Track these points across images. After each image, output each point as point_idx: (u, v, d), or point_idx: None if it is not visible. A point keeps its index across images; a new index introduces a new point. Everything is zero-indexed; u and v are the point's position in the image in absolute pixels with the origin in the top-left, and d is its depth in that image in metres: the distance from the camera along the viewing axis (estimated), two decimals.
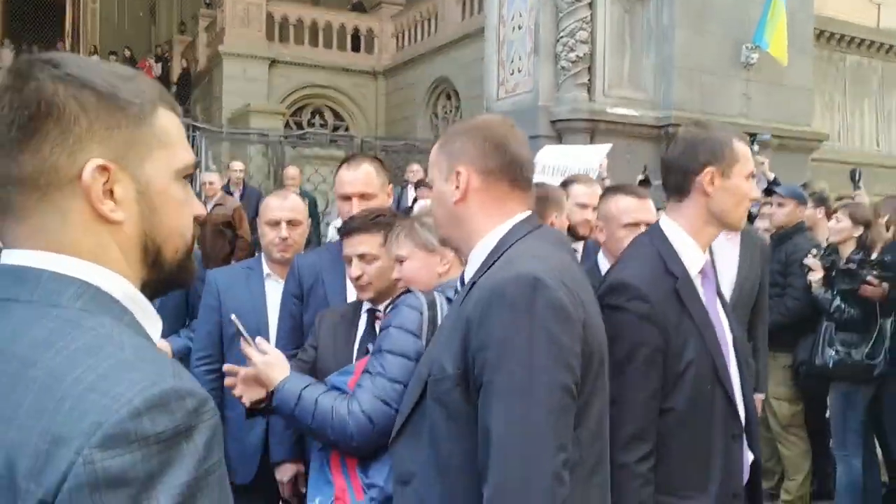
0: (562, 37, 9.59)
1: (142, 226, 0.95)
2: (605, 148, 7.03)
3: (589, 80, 9.62)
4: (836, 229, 4.67)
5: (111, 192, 0.92)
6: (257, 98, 16.53)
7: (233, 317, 2.19)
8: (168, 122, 0.98)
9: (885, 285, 4.25)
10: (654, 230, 2.10)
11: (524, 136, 1.77)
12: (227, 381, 2.19)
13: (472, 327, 1.49)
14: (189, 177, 1.01)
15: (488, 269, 1.59)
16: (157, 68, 21.44)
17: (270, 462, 2.87)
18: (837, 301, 4.45)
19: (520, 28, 10.18)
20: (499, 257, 1.60)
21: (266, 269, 3.16)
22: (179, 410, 0.79)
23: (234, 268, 3.59)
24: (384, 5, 19.50)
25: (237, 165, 9.45)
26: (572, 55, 9.50)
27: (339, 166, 2.99)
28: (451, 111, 16.13)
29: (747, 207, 2.10)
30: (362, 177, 2.85)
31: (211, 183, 8.41)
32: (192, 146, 10.78)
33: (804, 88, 10.79)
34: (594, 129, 9.26)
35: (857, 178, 7.28)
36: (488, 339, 1.46)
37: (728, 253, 3.79)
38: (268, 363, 2.12)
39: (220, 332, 3.06)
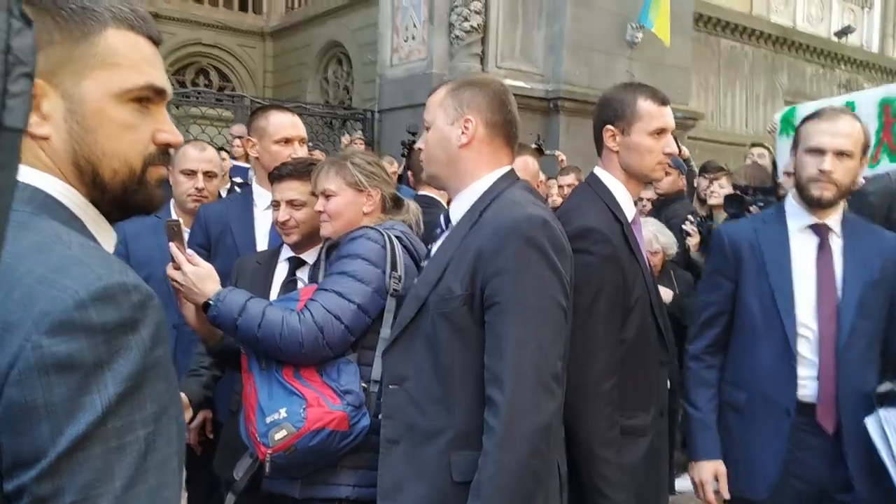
0: (456, 6, 9.67)
1: (71, 143, 0.95)
2: None
3: (482, 50, 9.76)
4: (718, 193, 5.09)
5: (39, 107, 0.92)
6: None
7: (168, 221, 2.11)
8: (119, 42, 0.97)
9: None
10: (594, 180, 2.24)
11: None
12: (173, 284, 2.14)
13: (486, 255, 1.73)
14: (146, 102, 1.00)
15: (485, 208, 1.83)
16: None
17: None
18: None
19: None
20: (491, 201, 1.84)
21: (173, 213, 3.12)
22: (125, 303, 0.82)
23: (143, 217, 3.51)
24: None
25: None
26: (466, 25, 9.61)
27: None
28: (342, 76, 15.95)
29: (657, 161, 2.19)
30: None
31: None
32: None
33: (683, 68, 11.32)
34: None
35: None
36: (505, 265, 1.71)
37: None
38: (198, 274, 2.10)
39: None
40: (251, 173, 4.07)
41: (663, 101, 2.21)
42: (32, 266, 0.82)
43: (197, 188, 3.05)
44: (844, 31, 16.73)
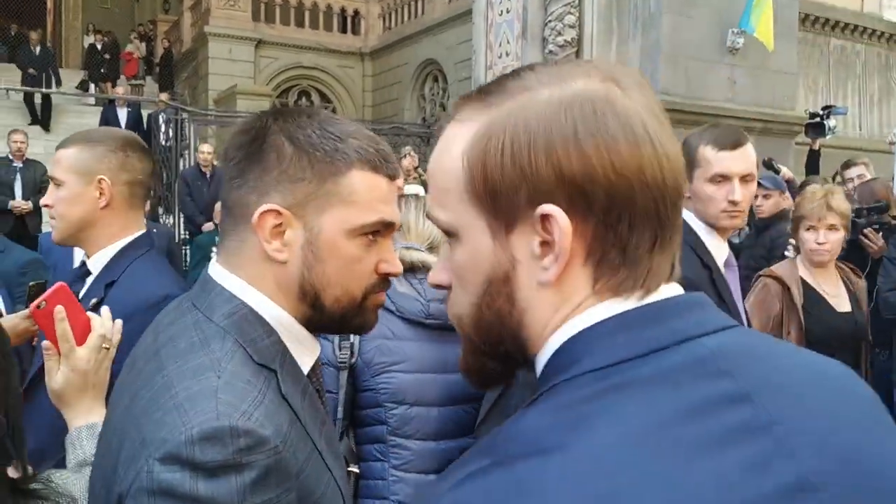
0: (549, 20, 9.62)
1: (302, 269, 1.06)
2: None
3: None
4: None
5: (283, 234, 1.04)
6: (243, 79, 16.45)
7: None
8: (360, 182, 1.06)
9: (881, 242, 4.38)
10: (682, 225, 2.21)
11: None
12: None
13: None
14: (376, 236, 1.09)
15: None
16: (143, 48, 21.19)
17: None
18: None
19: (507, 11, 10.20)
20: None
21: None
22: (231, 446, 0.89)
23: None
24: None
25: (206, 148, 9.51)
26: (560, 39, 9.54)
27: None
28: (438, 93, 16.14)
29: (722, 210, 2.12)
30: None
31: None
32: (180, 129, 10.77)
33: (789, 73, 10.86)
34: None
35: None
36: None
37: None
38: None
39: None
40: None
41: (729, 145, 2.11)
42: (181, 390, 0.93)
43: None
44: None
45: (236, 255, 1.07)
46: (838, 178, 5.77)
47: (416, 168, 10.26)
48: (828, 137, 6.03)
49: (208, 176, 9.14)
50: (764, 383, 0.63)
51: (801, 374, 0.67)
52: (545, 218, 0.66)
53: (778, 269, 3.41)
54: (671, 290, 0.70)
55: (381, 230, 1.09)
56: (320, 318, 1.09)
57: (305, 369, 1.10)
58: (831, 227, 3.18)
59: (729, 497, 0.56)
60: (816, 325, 3.17)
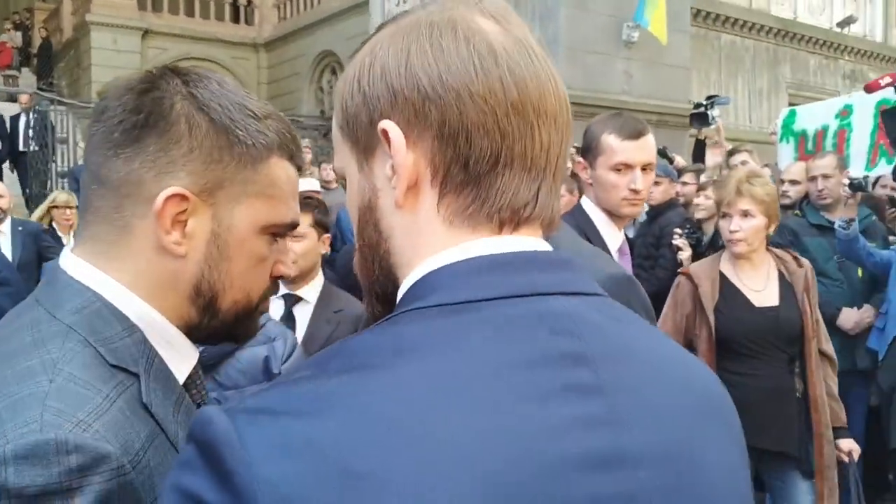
0: None
1: (202, 266, 0.90)
2: None
3: None
4: (704, 206, 4.87)
5: (184, 223, 0.87)
6: (130, 71, 15.56)
7: None
8: (279, 172, 0.93)
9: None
10: (578, 209, 2.20)
11: None
12: None
13: None
14: (278, 236, 0.96)
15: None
16: (18, 38, 19.95)
17: None
18: None
19: (405, 2, 9.97)
20: None
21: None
22: (57, 466, 0.71)
23: None
24: None
25: None
26: None
27: None
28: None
29: (623, 197, 2.15)
30: None
31: None
32: (60, 123, 10.07)
33: (682, 67, 11.06)
34: None
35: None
36: None
37: None
38: None
39: None
40: None
41: (632, 135, 2.15)
42: (1, 398, 0.75)
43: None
44: (847, 22, 16.46)
45: (112, 244, 0.88)
46: (724, 168, 5.88)
47: (310, 163, 9.94)
48: (711, 127, 6.13)
49: None
50: (606, 353, 0.63)
51: (647, 357, 0.68)
52: (384, 135, 0.66)
53: (697, 265, 3.20)
54: (535, 243, 0.68)
55: (287, 231, 0.98)
56: (208, 323, 0.93)
57: (181, 378, 0.93)
58: (745, 214, 2.92)
59: (549, 447, 0.57)
60: (728, 323, 2.94)
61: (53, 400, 0.75)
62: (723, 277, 3.05)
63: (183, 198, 0.86)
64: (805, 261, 3.12)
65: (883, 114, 3.86)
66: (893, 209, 4.61)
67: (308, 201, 2.40)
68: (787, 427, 2.93)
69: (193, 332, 0.94)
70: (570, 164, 3.66)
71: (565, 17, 9.73)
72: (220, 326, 0.95)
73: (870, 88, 4.28)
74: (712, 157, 6.12)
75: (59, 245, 5.80)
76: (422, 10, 0.70)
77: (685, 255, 4.80)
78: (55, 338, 0.82)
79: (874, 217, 4.57)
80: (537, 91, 0.68)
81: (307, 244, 2.42)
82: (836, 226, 4.12)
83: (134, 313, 0.88)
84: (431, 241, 0.67)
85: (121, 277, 0.88)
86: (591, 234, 2.11)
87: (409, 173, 0.66)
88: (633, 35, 10.08)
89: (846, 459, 2.99)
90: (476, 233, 0.67)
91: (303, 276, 2.48)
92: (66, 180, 9.54)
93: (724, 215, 3.00)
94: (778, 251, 3.13)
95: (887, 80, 3.99)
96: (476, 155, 0.66)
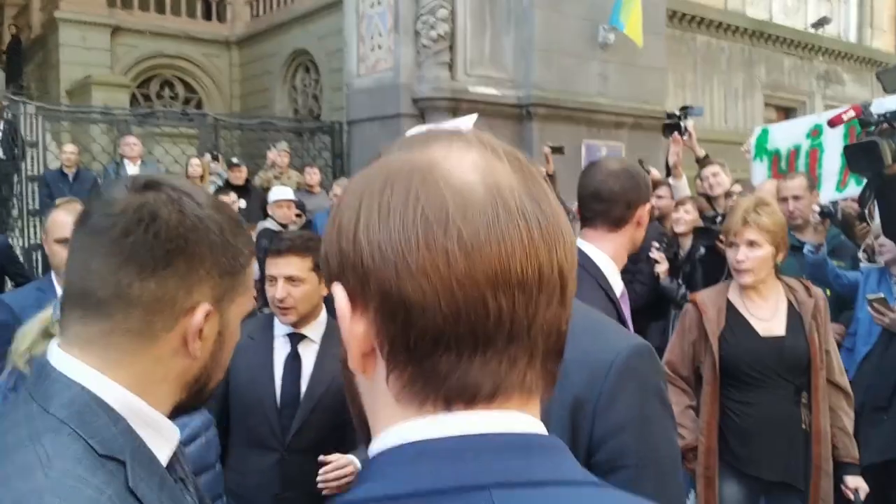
0: (422, 14, 9.34)
1: (207, 361, 1.02)
2: (470, 119, 6.86)
3: (450, 58, 9.43)
4: (684, 220, 4.83)
5: (202, 330, 0.99)
6: (99, 69, 15.27)
7: None
8: (250, 271, 1.07)
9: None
10: (585, 259, 2.09)
11: None
12: None
13: (594, 409, 1.40)
14: None
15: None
16: None
17: None
18: (683, 290, 4.68)
19: (379, 3, 9.83)
20: None
21: (58, 289, 2.83)
22: None
23: (25, 290, 3.37)
24: None
25: (69, 148, 8.97)
26: (433, 33, 9.28)
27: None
28: (311, 84, 15.54)
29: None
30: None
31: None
32: (30, 127, 9.79)
33: (658, 69, 11.04)
34: (456, 107, 9.11)
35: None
36: (626, 420, 1.40)
37: None
38: None
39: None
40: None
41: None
42: (4, 494, 0.83)
43: None
44: (821, 22, 16.53)
45: (126, 352, 0.97)
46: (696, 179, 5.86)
47: (287, 166, 9.76)
48: (684, 138, 6.08)
49: (70, 177, 8.74)
50: None
51: None
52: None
53: (705, 292, 3.12)
54: (495, 422, 0.60)
55: None
56: (194, 400, 1.05)
57: (163, 459, 1.00)
58: (752, 244, 2.86)
59: None
60: (732, 351, 2.89)
61: (51, 495, 0.83)
62: (730, 306, 2.99)
63: (210, 311, 0.99)
64: (817, 290, 3.03)
65: (845, 149, 3.79)
66: (863, 224, 4.58)
67: (310, 244, 2.41)
68: (793, 459, 2.87)
69: (175, 411, 1.04)
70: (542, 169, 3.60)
71: (540, 19, 9.65)
72: (199, 401, 1.06)
73: (833, 123, 4.21)
74: (673, 155, 6.03)
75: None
76: (406, 148, 0.65)
77: (662, 268, 4.78)
78: (48, 432, 0.90)
79: (842, 237, 4.55)
80: (497, 257, 0.59)
81: (307, 289, 2.40)
82: (804, 250, 4.10)
83: (117, 402, 0.95)
84: (386, 412, 0.64)
85: (117, 374, 0.96)
86: (602, 282, 2.09)
87: (359, 342, 0.63)
88: (608, 37, 10.04)
89: (851, 497, 2.91)
90: (422, 411, 0.61)
91: (305, 319, 2.47)
92: (35, 184, 9.34)
93: (731, 244, 2.93)
94: (789, 280, 3.05)
95: (851, 113, 3.91)
96: (415, 335, 0.60)
